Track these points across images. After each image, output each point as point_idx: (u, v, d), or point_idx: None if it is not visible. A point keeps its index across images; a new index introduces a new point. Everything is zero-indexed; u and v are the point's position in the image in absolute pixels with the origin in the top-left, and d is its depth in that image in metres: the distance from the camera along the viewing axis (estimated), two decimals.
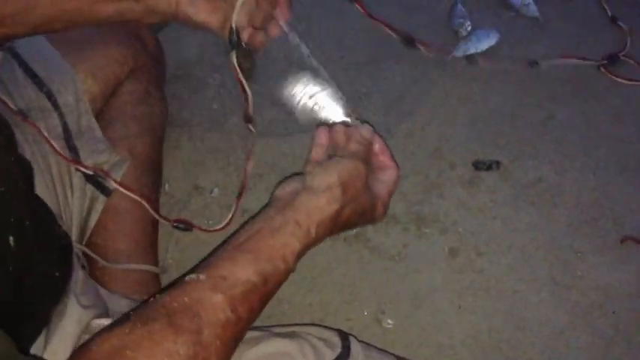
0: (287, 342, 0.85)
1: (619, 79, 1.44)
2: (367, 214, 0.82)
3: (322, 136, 0.87)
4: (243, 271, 0.67)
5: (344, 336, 0.90)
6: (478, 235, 1.27)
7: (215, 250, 0.72)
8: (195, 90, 1.44)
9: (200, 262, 0.71)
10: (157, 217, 1.10)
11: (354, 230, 1.27)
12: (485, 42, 1.49)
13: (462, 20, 1.52)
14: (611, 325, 1.17)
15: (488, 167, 1.34)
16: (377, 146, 0.87)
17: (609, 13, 1.54)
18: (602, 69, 1.45)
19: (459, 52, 1.49)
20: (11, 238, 0.71)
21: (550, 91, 1.44)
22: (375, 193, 0.83)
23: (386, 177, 0.86)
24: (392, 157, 0.88)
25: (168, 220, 1.12)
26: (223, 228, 1.22)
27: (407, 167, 1.34)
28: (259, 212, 0.76)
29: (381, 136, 0.89)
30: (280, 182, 0.81)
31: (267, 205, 0.78)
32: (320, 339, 0.88)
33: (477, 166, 1.34)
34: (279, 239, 0.71)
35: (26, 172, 0.87)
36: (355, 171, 0.78)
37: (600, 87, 1.44)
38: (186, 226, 1.15)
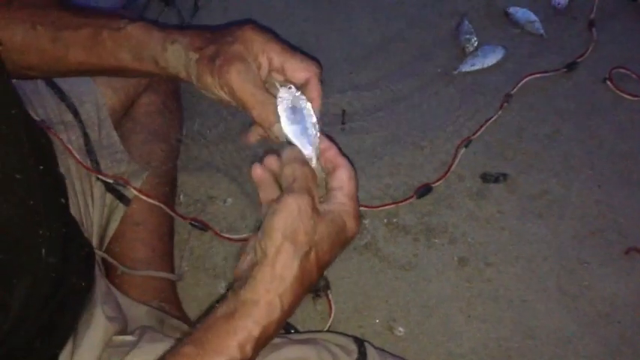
0: (306, 348, 0.88)
1: (623, 95, 1.47)
2: (339, 239, 0.68)
3: (254, 173, 0.71)
4: None
5: (360, 342, 0.92)
6: (486, 245, 1.29)
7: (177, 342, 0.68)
8: (210, 102, 1.47)
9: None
10: (174, 215, 1.13)
11: (364, 241, 1.30)
12: (492, 57, 1.52)
13: (468, 36, 1.56)
14: (617, 334, 1.19)
15: (496, 180, 1.37)
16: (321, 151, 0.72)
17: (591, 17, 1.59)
18: (608, 82, 1.48)
19: (466, 67, 1.52)
20: (43, 251, 0.73)
21: (556, 105, 1.47)
22: (335, 210, 0.67)
23: (338, 181, 0.69)
24: (338, 152, 0.72)
25: (186, 218, 1.15)
26: (238, 240, 1.25)
27: (416, 179, 1.37)
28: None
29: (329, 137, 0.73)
30: (240, 252, 0.69)
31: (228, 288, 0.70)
32: (337, 345, 0.90)
33: (485, 178, 1.37)
34: (234, 325, 0.62)
35: (60, 185, 0.89)
36: (294, 209, 0.63)
37: (605, 102, 1.47)
38: (202, 226, 1.24)
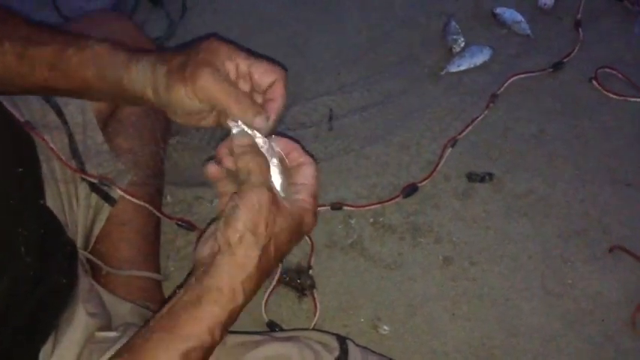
0: (287, 345, 0.88)
1: (609, 94, 1.48)
2: (295, 232, 0.71)
3: (209, 172, 0.72)
4: (165, 355, 0.63)
5: (342, 340, 0.93)
6: (471, 244, 1.30)
7: (140, 328, 0.68)
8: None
9: (126, 343, 0.68)
10: (160, 216, 1.14)
11: (350, 240, 1.30)
12: (479, 57, 1.54)
13: (455, 37, 1.57)
14: (601, 332, 1.20)
15: (482, 179, 1.38)
16: (281, 146, 0.73)
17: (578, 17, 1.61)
18: (594, 82, 1.49)
19: (453, 68, 1.53)
20: (22, 249, 0.73)
21: (542, 105, 1.48)
22: (296, 206, 0.70)
23: (302, 178, 0.72)
24: (303, 151, 0.74)
25: (172, 219, 1.16)
26: None
27: (402, 179, 1.38)
28: (184, 281, 0.69)
29: (285, 136, 0.75)
30: (198, 239, 0.72)
31: (190, 272, 0.70)
32: (319, 342, 0.91)
33: (471, 178, 1.38)
34: (201, 311, 0.65)
35: (40, 187, 0.90)
36: (255, 203, 0.66)
37: (591, 102, 1.48)
38: (189, 226, 1.25)
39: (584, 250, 1.29)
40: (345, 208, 1.33)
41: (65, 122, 1.04)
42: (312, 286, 1.23)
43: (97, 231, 1.08)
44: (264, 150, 0.71)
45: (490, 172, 1.38)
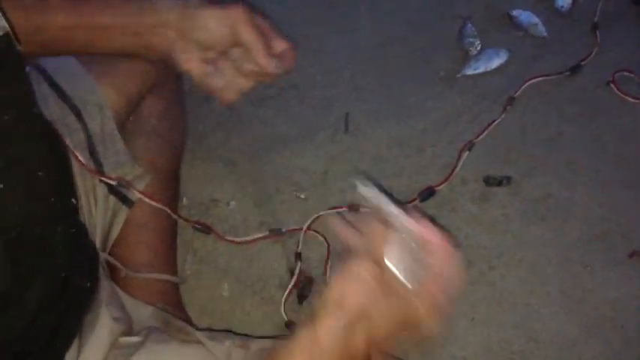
0: None
1: (627, 98, 1.47)
2: (402, 319, 0.61)
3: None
4: None
5: None
6: (490, 248, 1.29)
7: None
8: (212, 105, 1.47)
9: None
10: (177, 218, 1.14)
11: None
12: (495, 60, 1.52)
13: (471, 40, 1.56)
14: (620, 338, 1.19)
15: (499, 183, 1.36)
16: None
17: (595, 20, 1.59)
18: (612, 86, 1.48)
19: (469, 71, 1.52)
20: (59, 248, 0.73)
21: (559, 108, 1.47)
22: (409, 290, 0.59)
23: (431, 261, 0.60)
24: (437, 233, 0.61)
25: (189, 221, 1.16)
26: (240, 242, 1.26)
27: (419, 182, 1.37)
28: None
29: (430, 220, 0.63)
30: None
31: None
32: None
33: (488, 181, 1.37)
34: None
35: (72, 185, 0.90)
36: (352, 270, 0.59)
37: (608, 105, 1.47)
38: (205, 229, 1.25)
39: (603, 255, 1.28)
40: (362, 210, 1.32)
41: (84, 123, 1.03)
42: (311, 284, 1.23)
43: (115, 233, 1.07)
44: (393, 219, 0.60)
45: (508, 176, 1.37)
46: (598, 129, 1.44)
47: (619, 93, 1.47)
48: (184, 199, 1.33)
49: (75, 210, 0.87)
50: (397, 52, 1.60)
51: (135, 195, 1.07)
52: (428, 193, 1.34)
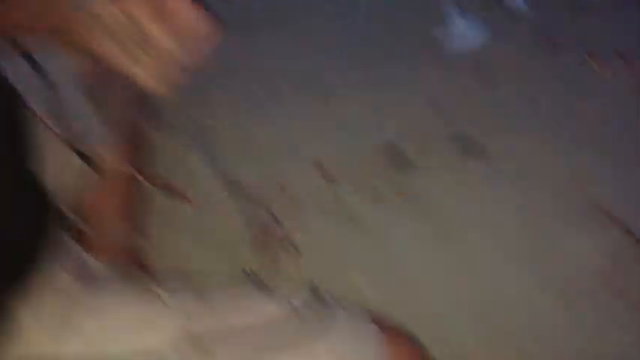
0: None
1: (601, 70, 1.48)
2: None
3: None
4: None
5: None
6: (462, 215, 1.32)
7: None
8: None
9: None
10: (144, 181, 1.15)
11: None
12: (477, 34, 1.52)
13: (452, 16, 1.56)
14: (578, 291, 1.22)
15: (473, 150, 1.38)
16: None
17: None
18: (587, 57, 1.49)
19: (458, 45, 1.52)
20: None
21: (535, 79, 1.49)
22: None
23: None
24: None
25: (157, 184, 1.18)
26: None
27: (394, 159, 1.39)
28: None
29: None
30: None
31: None
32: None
33: (462, 149, 1.38)
34: None
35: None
36: None
37: (583, 77, 1.50)
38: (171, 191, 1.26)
39: (563, 213, 1.31)
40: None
41: (51, 88, 1.04)
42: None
43: (82, 197, 1.09)
44: None
45: (481, 143, 1.39)
46: (572, 99, 1.45)
47: (594, 65, 1.49)
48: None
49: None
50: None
51: (103, 160, 1.08)
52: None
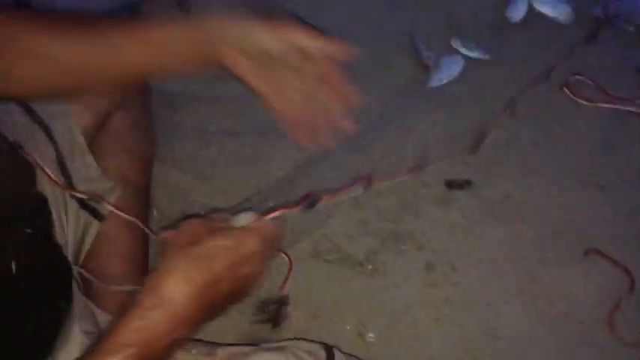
0: (275, 355, 0.91)
1: (580, 100, 1.53)
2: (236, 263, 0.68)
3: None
4: None
5: (328, 348, 0.95)
6: (452, 250, 1.34)
7: None
8: (180, 118, 1.50)
9: None
10: (148, 231, 1.15)
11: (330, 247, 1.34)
12: (455, 67, 1.57)
13: (427, 53, 1.60)
14: (578, 333, 1.25)
15: (460, 186, 1.42)
16: None
17: None
18: (566, 89, 1.54)
19: (435, 83, 1.56)
20: (13, 264, 0.74)
21: (514, 113, 1.52)
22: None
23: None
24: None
25: (159, 235, 1.18)
26: None
27: (383, 188, 1.41)
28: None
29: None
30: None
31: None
32: (306, 351, 0.93)
33: (450, 185, 1.42)
34: None
35: (43, 209, 0.91)
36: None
37: (562, 108, 1.53)
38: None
39: (559, 253, 1.33)
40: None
41: (53, 140, 1.05)
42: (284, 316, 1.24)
43: (86, 247, 1.09)
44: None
45: (468, 179, 1.43)
46: (553, 131, 1.50)
47: (572, 96, 1.54)
48: (155, 211, 1.35)
49: (46, 228, 0.89)
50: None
51: (106, 208, 1.08)
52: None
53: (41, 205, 0.93)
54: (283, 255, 1.29)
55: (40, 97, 0.89)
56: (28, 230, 0.82)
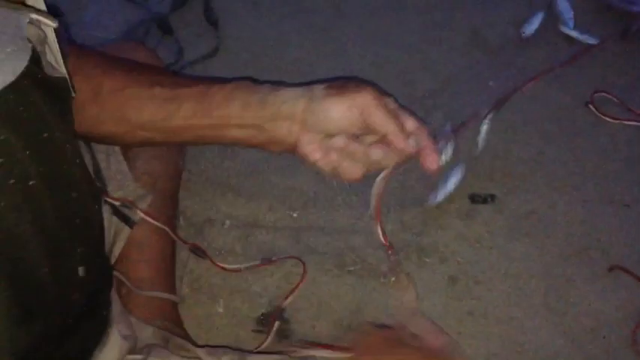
0: None
1: (605, 117, 1.53)
2: None
3: None
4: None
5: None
6: (476, 264, 1.34)
7: None
8: None
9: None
10: (176, 239, 1.17)
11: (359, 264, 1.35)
12: (454, 178, 1.44)
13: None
14: (603, 349, 1.24)
15: (484, 200, 1.42)
16: None
17: None
18: (591, 106, 1.55)
19: (441, 197, 1.42)
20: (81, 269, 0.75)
21: (540, 129, 1.53)
22: None
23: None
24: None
25: (187, 243, 1.21)
26: (231, 270, 1.31)
27: (407, 200, 1.42)
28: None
29: None
30: None
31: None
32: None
33: (474, 199, 1.42)
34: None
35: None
36: None
37: (587, 125, 1.54)
38: (201, 253, 1.31)
39: (584, 269, 1.33)
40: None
41: (89, 145, 1.07)
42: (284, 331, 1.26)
43: (117, 252, 1.11)
44: None
45: (492, 194, 1.43)
46: (578, 148, 1.50)
47: (597, 113, 1.54)
48: (181, 219, 1.37)
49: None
50: (385, 73, 1.65)
51: (137, 215, 1.10)
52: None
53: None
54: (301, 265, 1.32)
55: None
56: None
